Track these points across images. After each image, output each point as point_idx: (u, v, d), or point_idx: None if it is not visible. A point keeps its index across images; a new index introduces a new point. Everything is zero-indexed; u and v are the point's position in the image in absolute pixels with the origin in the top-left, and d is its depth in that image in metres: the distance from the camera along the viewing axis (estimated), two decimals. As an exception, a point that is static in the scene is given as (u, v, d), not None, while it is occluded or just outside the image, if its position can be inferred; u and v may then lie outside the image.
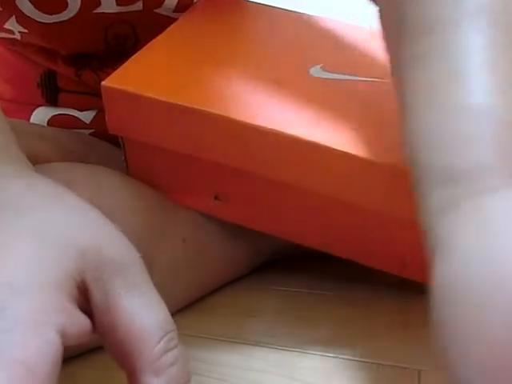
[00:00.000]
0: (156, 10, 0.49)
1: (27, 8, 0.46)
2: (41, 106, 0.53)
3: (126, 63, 0.42)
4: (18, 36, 0.49)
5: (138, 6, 0.48)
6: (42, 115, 0.52)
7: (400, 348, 0.39)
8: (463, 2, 0.28)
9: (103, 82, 0.40)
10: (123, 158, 0.45)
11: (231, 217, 0.45)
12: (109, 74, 0.41)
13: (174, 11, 0.50)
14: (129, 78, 0.41)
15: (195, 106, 0.39)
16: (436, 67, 0.28)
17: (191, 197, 0.45)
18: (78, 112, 0.52)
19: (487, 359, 0.22)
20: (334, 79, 0.43)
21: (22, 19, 0.47)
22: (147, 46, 0.44)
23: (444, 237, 0.25)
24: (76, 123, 0.53)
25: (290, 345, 0.39)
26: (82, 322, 0.23)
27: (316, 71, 0.44)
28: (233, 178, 0.42)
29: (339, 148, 0.37)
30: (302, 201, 0.41)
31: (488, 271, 0.22)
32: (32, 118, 0.53)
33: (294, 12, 0.52)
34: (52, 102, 0.52)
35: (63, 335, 0.22)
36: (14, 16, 0.47)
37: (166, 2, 0.49)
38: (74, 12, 0.46)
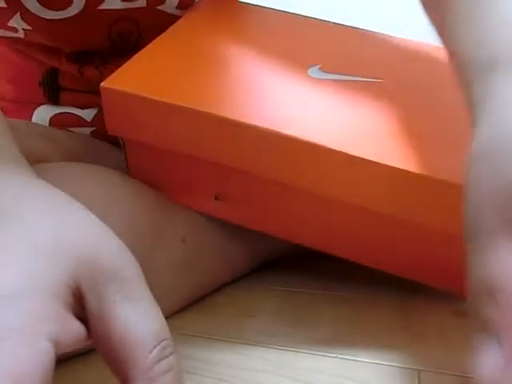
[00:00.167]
0: (159, 7, 0.49)
1: (32, 4, 0.46)
2: (42, 104, 0.53)
3: (125, 64, 0.42)
4: (21, 34, 0.49)
5: (142, 2, 0.48)
6: (43, 114, 0.52)
7: (400, 348, 0.38)
8: None
9: (102, 84, 0.40)
10: (123, 157, 0.45)
11: (231, 217, 0.45)
12: (111, 71, 0.41)
13: (176, 8, 0.50)
14: (128, 79, 0.41)
15: (194, 107, 0.39)
16: None
17: (191, 197, 0.45)
18: (80, 110, 0.53)
19: None
20: (332, 80, 0.43)
21: (27, 16, 0.47)
22: (146, 47, 0.44)
23: (484, 97, 0.27)
24: (77, 121, 0.53)
25: (289, 345, 0.39)
26: (76, 329, 0.23)
27: (314, 72, 0.44)
28: (233, 178, 0.42)
29: (337, 148, 0.37)
30: (302, 201, 0.41)
31: None
32: (33, 116, 0.53)
33: (293, 14, 0.52)
34: (53, 100, 0.52)
35: (56, 343, 0.22)
36: (18, 13, 0.47)
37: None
38: (79, 8, 0.47)
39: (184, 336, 0.40)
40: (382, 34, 0.51)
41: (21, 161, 0.30)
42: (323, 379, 0.35)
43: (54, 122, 0.52)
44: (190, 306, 0.45)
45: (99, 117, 0.52)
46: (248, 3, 0.54)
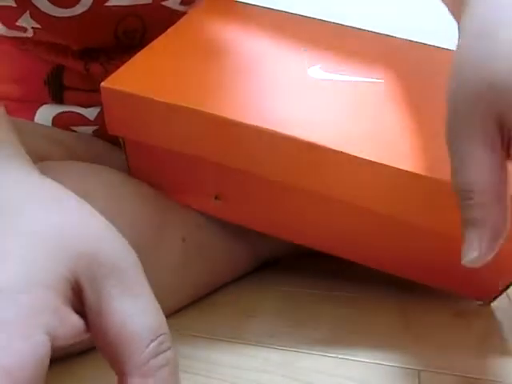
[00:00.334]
0: (163, 3, 0.50)
1: (41, 3, 0.46)
2: (46, 103, 0.53)
3: (125, 64, 0.42)
4: (30, 33, 0.50)
5: None
6: (46, 113, 0.53)
7: (400, 348, 0.39)
8: None
9: (102, 83, 0.40)
10: (125, 157, 0.45)
11: (231, 217, 0.45)
12: (117, 66, 0.42)
13: (180, 4, 0.51)
14: (128, 78, 0.41)
15: (194, 107, 0.39)
16: None
17: (191, 197, 0.45)
18: (83, 109, 0.53)
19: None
20: (332, 80, 0.43)
21: (36, 14, 0.47)
22: (147, 47, 0.44)
23: None
24: (80, 120, 0.53)
25: (289, 345, 0.39)
26: (74, 322, 0.23)
27: (315, 72, 0.44)
28: (233, 178, 0.42)
29: (338, 148, 0.37)
30: (302, 201, 0.41)
31: None
32: (37, 115, 0.53)
33: (293, 14, 0.52)
34: (58, 99, 0.53)
35: (54, 336, 0.22)
36: (27, 11, 0.47)
37: None
38: (87, 6, 0.47)
39: (184, 336, 0.40)
40: (383, 34, 0.51)
41: (22, 156, 0.31)
42: (323, 379, 0.35)
43: (57, 120, 0.53)
44: (190, 306, 0.45)
45: (102, 115, 0.53)
46: (249, 3, 0.54)
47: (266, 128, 0.38)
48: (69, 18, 0.48)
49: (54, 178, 0.29)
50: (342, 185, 0.38)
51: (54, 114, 0.52)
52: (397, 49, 0.50)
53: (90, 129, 0.53)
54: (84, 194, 0.28)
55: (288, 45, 0.48)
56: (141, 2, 0.49)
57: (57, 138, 0.49)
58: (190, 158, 0.41)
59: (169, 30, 0.47)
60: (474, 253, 0.28)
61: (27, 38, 0.51)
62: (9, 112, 0.34)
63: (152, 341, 0.24)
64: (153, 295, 0.25)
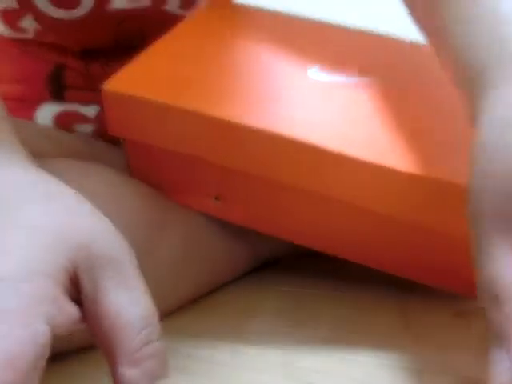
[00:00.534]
0: (163, 7, 0.50)
1: (42, 3, 0.47)
2: (46, 102, 0.53)
3: (126, 66, 0.42)
4: (31, 34, 0.50)
5: (146, 1, 0.49)
6: (46, 112, 0.53)
7: (400, 348, 0.39)
8: None
9: (103, 85, 0.40)
10: (125, 157, 0.45)
11: (231, 217, 0.45)
12: (116, 68, 0.42)
13: (179, 7, 0.51)
14: (129, 80, 0.41)
15: (195, 109, 0.39)
16: None
17: (191, 197, 0.45)
18: (83, 107, 0.53)
19: None
20: (332, 81, 0.43)
21: (38, 15, 0.48)
22: (147, 49, 0.44)
23: (485, 93, 0.29)
24: (81, 119, 0.53)
25: (290, 345, 0.39)
26: (71, 311, 0.24)
27: (315, 73, 0.44)
28: (233, 178, 0.42)
29: (338, 149, 0.37)
30: (302, 201, 0.41)
31: None
32: (37, 114, 0.53)
33: (293, 15, 0.52)
34: (58, 98, 0.53)
35: (52, 324, 0.22)
36: (29, 12, 0.48)
37: None
38: (88, 8, 0.47)
39: (184, 336, 0.40)
40: (384, 34, 0.51)
41: (21, 152, 0.31)
42: (323, 379, 0.35)
43: (57, 119, 0.53)
44: (190, 306, 0.45)
45: (102, 114, 0.53)
46: (249, 6, 0.54)
47: (266, 129, 0.38)
48: (69, 19, 0.48)
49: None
50: (342, 185, 0.38)
51: (54, 112, 0.52)
52: (397, 49, 0.50)
53: (89, 127, 0.53)
54: (83, 193, 0.28)
55: (287, 46, 0.48)
56: (141, 6, 0.49)
57: (56, 138, 0.49)
58: (190, 158, 0.41)
59: (169, 32, 0.47)
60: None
61: (28, 39, 0.51)
62: (9, 112, 0.34)
63: (142, 329, 0.24)
64: (145, 287, 0.26)
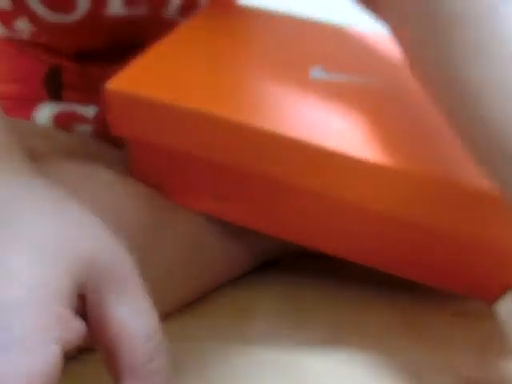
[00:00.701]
0: (160, 13, 0.50)
1: (37, 6, 0.46)
2: (44, 102, 0.53)
3: (128, 65, 0.42)
4: (27, 35, 0.50)
5: (144, 8, 0.49)
6: (45, 112, 0.53)
7: (400, 348, 0.39)
8: None
9: (106, 85, 0.40)
10: (127, 158, 0.45)
11: (231, 217, 0.45)
12: (114, 70, 0.41)
13: (177, 13, 0.51)
14: (131, 79, 0.41)
15: (197, 108, 0.39)
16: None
17: (191, 197, 0.45)
18: (81, 108, 0.53)
19: None
20: (334, 81, 0.43)
21: (32, 18, 0.47)
22: (150, 48, 0.44)
23: None
24: (79, 119, 0.53)
25: (290, 345, 0.39)
26: (78, 327, 0.24)
27: (316, 73, 0.44)
28: (233, 178, 0.42)
29: (339, 150, 0.37)
30: (302, 202, 0.41)
31: None
32: (35, 114, 0.53)
33: (295, 15, 0.52)
34: (56, 98, 0.53)
35: (63, 345, 0.22)
36: (24, 14, 0.47)
37: (171, 4, 0.49)
38: (84, 12, 0.47)
39: (184, 336, 0.40)
40: (384, 34, 0.51)
41: (21, 159, 0.31)
42: (323, 379, 0.35)
43: (55, 119, 0.53)
44: (190, 306, 0.45)
45: (100, 115, 0.53)
46: (251, 6, 0.54)
47: (267, 129, 0.38)
48: (65, 23, 0.47)
49: (52, 178, 0.29)
50: (343, 185, 0.38)
51: (52, 112, 0.52)
52: (398, 49, 0.50)
53: (88, 127, 0.53)
54: (82, 194, 0.28)
55: (288, 46, 0.48)
56: (137, 12, 0.49)
57: (55, 137, 0.49)
58: (190, 158, 0.41)
59: (172, 32, 0.47)
60: None
61: (24, 40, 0.51)
62: (6, 111, 0.34)
63: (147, 346, 0.24)
64: (149, 300, 0.26)
